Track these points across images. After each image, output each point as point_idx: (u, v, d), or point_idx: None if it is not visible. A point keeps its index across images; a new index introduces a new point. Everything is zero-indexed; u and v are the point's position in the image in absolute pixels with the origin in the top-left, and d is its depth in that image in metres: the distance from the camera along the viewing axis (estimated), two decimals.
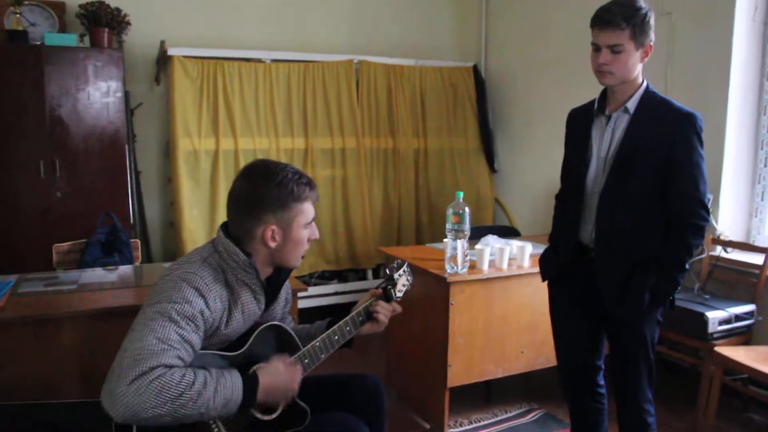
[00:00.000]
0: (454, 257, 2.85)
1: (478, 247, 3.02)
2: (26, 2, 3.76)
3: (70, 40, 3.75)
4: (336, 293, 4.57)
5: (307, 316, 3.96)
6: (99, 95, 3.79)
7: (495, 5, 5.14)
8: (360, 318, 1.90)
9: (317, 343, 1.81)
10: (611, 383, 2.27)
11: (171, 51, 4.01)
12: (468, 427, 3.10)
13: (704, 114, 2.10)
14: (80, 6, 3.83)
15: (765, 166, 3.44)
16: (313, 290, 4.45)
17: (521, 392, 3.46)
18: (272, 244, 1.69)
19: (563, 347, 2.38)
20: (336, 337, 1.84)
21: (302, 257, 1.80)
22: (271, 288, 1.79)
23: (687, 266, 2.07)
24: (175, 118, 4.02)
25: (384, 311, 1.92)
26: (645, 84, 2.11)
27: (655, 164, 2.03)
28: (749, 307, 3.09)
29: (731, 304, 3.09)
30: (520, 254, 3.08)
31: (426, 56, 4.98)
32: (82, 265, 3.14)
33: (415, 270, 2.14)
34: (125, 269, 3.00)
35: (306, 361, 1.77)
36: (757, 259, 3.21)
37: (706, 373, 2.98)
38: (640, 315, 2.09)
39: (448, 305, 2.87)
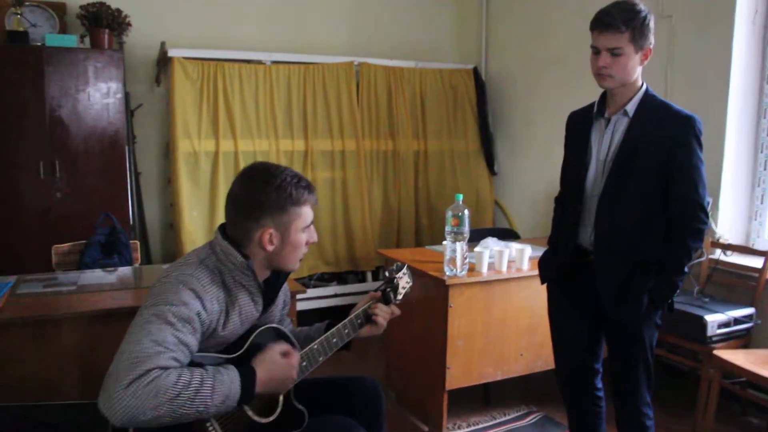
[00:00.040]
0: (453, 260, 2.85)
1: (477, 249, 3.02)
2: (27, 3, 3.76)
3: (71, 41, 3.76)
4: (335, 295, 4.57)
5: (306, 318, 3.96)
6: (99, 96, 3.79)
7: (495, 8, 5.15)
8: (359, 321, 1.90)
9: (315, 346, 1.80)
10: (609, 386, 2.27)
11: (171, 52, 4.02)
12: (466, 430, 3.09)
13: (704, 117, 2.10)
14: (81, 7, 3.83)
15: (765, 169, 3.44)
16: (312, 292, 4.45)
17: (520, 395, 3.46)
18: (270, 248, 1.69)
19: (562, 350, 2.38)
20: (334, 340, 1.84)
21: (300, 260, 1.79)
22: (268, 290, 1.79)
23: (686, 269, 2.07)
24: (175, 119, 4.02)
25: (383, 314, 1.91)
26: (645, 87, 2.11)
27: (655, 167, 2.03)
28: (748, 311, 3.09)
29: (730, 307, 3.09)
30: (520, 257, 3.08)
31: (426, 58, 4.99)
32: (82, 266, 3.14)
33: (414, 272, 2.14)
34: (124, 270, 3.00)
35: (304, 363, 1.77)
36: (757, 262, 3.21)
37: (705, 377, 2.98)
38: (639, 318, 2.09)
39: (447, 308, 2.87)
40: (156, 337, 1.46)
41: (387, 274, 2.01)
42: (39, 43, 3.71)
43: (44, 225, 3.70)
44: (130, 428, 1.44)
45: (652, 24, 2.03)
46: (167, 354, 1.46)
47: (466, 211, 2.83)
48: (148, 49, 4.22)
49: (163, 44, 4.11)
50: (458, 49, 5.28)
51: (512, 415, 3.24)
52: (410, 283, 2.04)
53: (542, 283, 2.40)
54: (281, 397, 1.75)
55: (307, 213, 1.73)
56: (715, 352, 2.83)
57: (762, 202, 3.45)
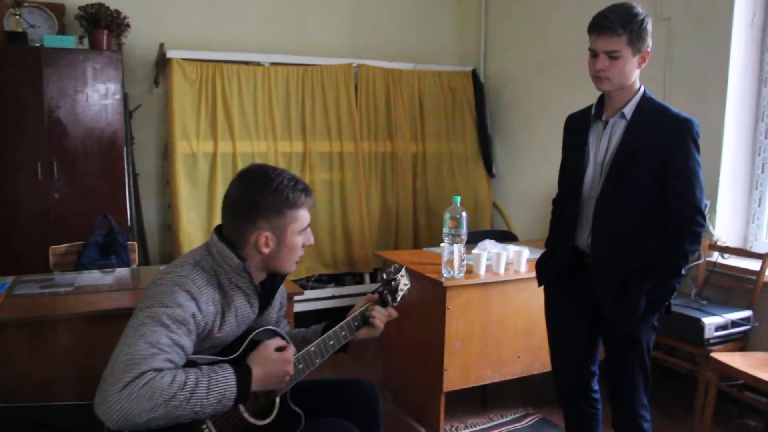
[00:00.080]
0: (450, 261, 2.85)
1: (475, 251, 3.02)
2: (26, 4, 3.76)
3: (69, 42, 3.76)
4: (333, 297, 4.57)
5: (303, 319, 3.94)
6: (98, 97, 3.79)
7: (494, 10, 5.16)
8: (356, 323, 1.89)
9: (312, 348, 1.79)
10: (606, 388, 2.27)
11: (170, 53, 4.02)
12: None
13: (702, 120, 2.11)
14: (80, 8, 3.83)
15: (762, 172, 3.44)
16: (310, 294, 4.45)
17: (517, 397, 3.46)
18: (266, 251, 1.69)
19: (558, 352, 2.38)
20: (331, 342, 1.83)
21: (297, 263, 1.79)
22: (265, 292, 1.79)
23: (683, 272, 2.08)
24: (173, 120, 4.02)
25: (380, 316, 1.91)
26: (642, 90, 2.12)
27: (652, 170, 2.03)
28: (746, 313, 3.09)
29: (728, 310, 3.09)
30: (517, 259, 3.08)
31: (425, 60, 4.99)
32: (79, 267, 3.14)
33: (412, 274, 2.14)
34: (122, 271, 2.99)
35: (301, 365, 1.76)
36: (754, 265, 3.21)
37: (702, 379, 2.98)
38: (636, 320, 2.09)
39: (444, 309, 2.87)
40: (150, 339, 1.46)
41: (385, 276, 2.01)
42: (37, 44, 3.71)
43: (42, 226, 3.70)
44: (126, 430, 1.44)
45: (649, 27, 2.03)
46: (162, 356, 1.46)
47: (464, 213, 2.83)
48: (146, 51, 4.22)
49: (161, 45, 4.11)
50: (457, 51, 5.28)
51: (509, 417, 3.24)
52: (408, 285, 2.04)
53: (539, 285, 2.40)
54: (277, 400, 1.75)
55: (303, 216, 1.72)
56: (713, 354, 2.83)
57: (759, 205, 3.45)
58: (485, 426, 3.15)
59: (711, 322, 2.97)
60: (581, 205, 2.17)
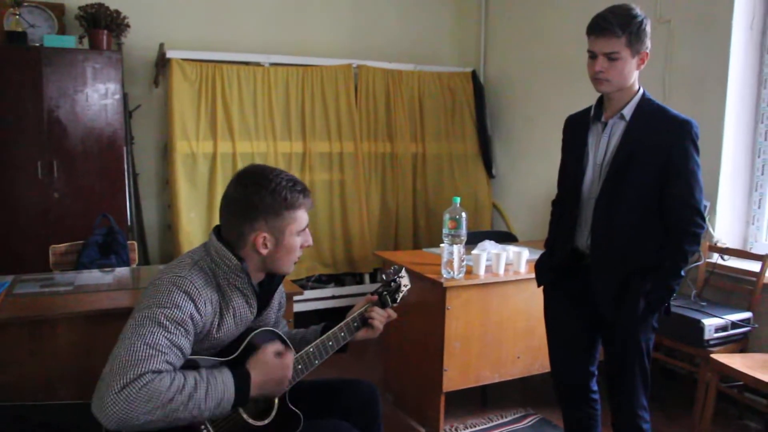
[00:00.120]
0: (450, 262, 2.85)
1: (474, 252, 3.03)
2: (25, 3, 3.76)
3: (69, 41, 3.76)
4: (333, 297, 4.57)
5: (303, 319, 3.94)
6: (97, 97, 3.79)
7: (494, 11, 5.16)
8: (355, 324, 1.89)
9: (311, 349, 1.79)
10: (605, 389, 2.27)
11: (170, 54, 4.02)
12: None
13: (702, 121, 2.11)
14: (79, 8, 3.83)
15: (762, 174, 3.45)
16: (309, 294, 4.45)
17: (517, 397, 3.46)
18: (264, 251, 1.68)
19: (557, 352, 2.38)
20: (330, 343, 1.83)
21: (295, 263, 1.79)
22: (263, 293, 1.78)
23: (683, 273, 2.08)
24: (173, 120, 4.02)
25: (379, 317, 1.91)
26: (641, 91, 2.12)
27: (651, 171, 2.04)
28: (745, 315, 3.09)
29: (728, 311, 3.09)
30: (517, 260, 3.09)
31: (425, 61, 4.99)
32: (79, 266, 3.14)
33: (411, 275, 2.14)
34: (121, 271, 2.99)
35: (299, 366, 1.76)
36: (754, 266, 3.22)
37: (702, 380, 2.99)
38: (635, 321, 2.09)
39: (444, 310, 2.87)
40: (148, 340, 1.46)
41: (384, 276, 2.01)
42: (37, 44, 3.71)
43: (42, 225, 3.70)
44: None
45: (648, 28, 2.03)
46: (160, 357, 1.45)
47: (464, 214, 2.84)
48: (146, 51, 4.22)
49: (161, 46, 4.11)
50: (457, 52, 5.28)
51: (509, 418, 3.24)
52: (408, 286, 2.04)
53: (539, 285, 2.40)
54: (276, 401, 1.75)
55: (302, 217, 1.72)
56: (713, 355, 2.83)
57: (759, 207, 3.45)
58: (485, 426, 3.15)
59: (711, 323, 2.97)
60: (581, 205, 2.17)
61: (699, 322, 2.97)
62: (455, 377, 2.95)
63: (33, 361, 2.18)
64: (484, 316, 2.99)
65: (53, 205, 3.74)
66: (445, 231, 2.85)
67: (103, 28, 3.82)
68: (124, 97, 4.00)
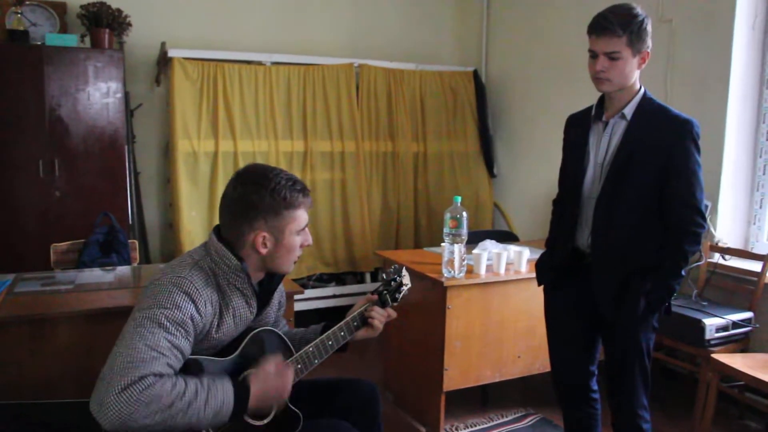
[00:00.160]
0: (451, 261, 2.85)
1: (475, 251, 3.02)
2: (27, 2, 3.76)
3: (71, 40, 3.76)
4: (334, 296, 4.57)
5: (304, 318, 3.96)
6: (99, 96, 3.79)
7: (496, 11, 5.15)
8: (355, 323, 1.89)
9: (310, 349, 1.79)
10: (605, 389, 2.27)
11: (171, 52, 4.02)
12: None
13: (703, 121, 2.11)
14: (81, 6, 3.83)
15: (764, 174, 3.44)
16: (310, 293, 4.45)
17: (518, 397, 3.46)
18: (263, 251, 1.68)
19: (558, 352, 2.38)
20: (330, 343, 1.83)
21: (295, 263, 1.78)
22: (263, 293, 1.78)
23: (683, 273, 2.07)
24: (174, 119, 4.02)
25: (379, 317, 1.90)
26: (642, 90, 2.12)
27: (652, 170, 2.04)
28: (746, 315, 3.09)
29: (729, 311, 3.09)
30: (518, 259, 3.08)
31: (426, 60, 4.99)
32: (80, 265, 3.14)
33: (412, 274, 2.14)
34: (123, 270, 3.00)
35: (299, 366, 1.76)
36: (755, 266, 3.21)
37: (702, 380, 2.98)
38: (636, 320, 2.09)
39: (445, 309, 2.87)
40: (149, 342, 1.45)
41: (385, 276, 2.01)
42: (39, 43, 3.72)
43: (43, 224, 3.71)
44: None
45: (649, 28, 2.03)
46: (161, 359, 1.45)
47: (465, 213, 2.83)
48: (148, 49, 4.22)
49: (163, 44, 4.11)
50: (458, 51, 5.28)
51: (510, 417, 3.24)
52: (408, 285, 2.03)
53: (539, 285, 2.40)
54: None
55: (301, 216, 1.71)
56: (713, 355, 2.83)
57: (761, 207, 3.45)
58: (485, 426, 3.15)
59: (712, 323, 2.97)
60: (581, 205, 2.17)
61: (700, 321, 2.96)
62: (456, 377, 2.95)
63: (33, 360, 2.19)
64: (485, 316, 2.99)
65: (54, 203, 3.75)
66: (446, 230, 2.85)
67: (105, 26, 3.82)
68: (126, 95, 4.01)
